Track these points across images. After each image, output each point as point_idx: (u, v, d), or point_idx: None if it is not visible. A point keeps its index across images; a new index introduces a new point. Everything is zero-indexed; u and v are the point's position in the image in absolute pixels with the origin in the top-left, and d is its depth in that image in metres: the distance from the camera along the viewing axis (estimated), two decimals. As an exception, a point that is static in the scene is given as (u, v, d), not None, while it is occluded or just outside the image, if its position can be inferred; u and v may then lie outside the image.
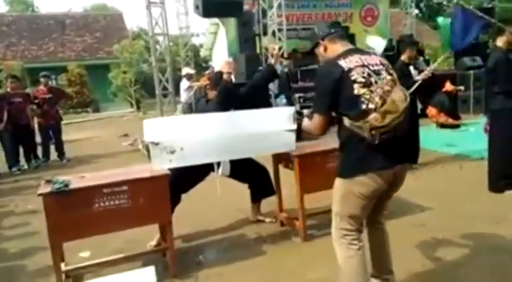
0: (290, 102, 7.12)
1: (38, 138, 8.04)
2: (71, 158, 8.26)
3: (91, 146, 10.05)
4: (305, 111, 3.04)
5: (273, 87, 8.94)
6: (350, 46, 2.36)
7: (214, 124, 3.16)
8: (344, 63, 2.17)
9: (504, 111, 4.10)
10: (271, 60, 3.71)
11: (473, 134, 7.10)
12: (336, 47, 2.33)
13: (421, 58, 9.87)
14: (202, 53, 21.29)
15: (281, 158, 3.63)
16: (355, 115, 2.10)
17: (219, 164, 3.40)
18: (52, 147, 8.17)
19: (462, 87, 9.11)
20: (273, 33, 8.99)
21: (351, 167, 2.21)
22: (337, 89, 2.15)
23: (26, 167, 7.64)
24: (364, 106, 2.08)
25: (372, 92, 2.09)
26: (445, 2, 26.18)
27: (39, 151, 8.00)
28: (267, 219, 3.99)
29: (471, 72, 9.41)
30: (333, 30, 2.39)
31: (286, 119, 3.28)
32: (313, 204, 4.02)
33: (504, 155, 4.21)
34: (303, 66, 10.22)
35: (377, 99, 2.07)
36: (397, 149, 2.20)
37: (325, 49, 2.38)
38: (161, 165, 2.98)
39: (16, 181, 6.72)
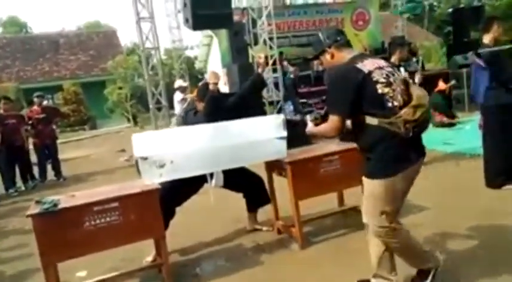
0: (297, 109, 7.06)
1: (34, 158, 8.03)
2: (69, 176, 8.23)
3: (88, 163, 10.02)
4: (308, 117, 3.05)
5: (267, 95, 8.97)
6: (355, 52, 2.48)
7: (203, 135, 3.16)
8: (363, 67, 2.29)
9: (496, 107, 4.09)
10: (259, 69, 3.71)
11: (469, 132, 7.09)
12: (343, 54, 2.45)
13: (414, 59, 9.90)
14: (197, 65, 21.33)
15: (274, 166, 3.61)
16: (383, 113, 2.23)
17: (212, 175, 3.38)
18: (49, 167, 8.14)
19: (454, 81, 9.12)
20: (264, 42, 9.01)
21: (390, 166, 2.28)
22: (360, 90, 2.25)
23: (23, 188, 7.61)
24: (390, 104, 2.23)
25: (394, 90, 2.25)
26: (435, 3, 26.31)
27: (36, 171, 7.97)
28: (264, 228, 3.95)
29: (464, 70, 9.42)
30: (339, 38, 2.49)
31: (276, 127, 3.29)
32: (310, 210, 4.01)
33: (499, 151, 4.19)
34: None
35: (399, 97, 2.25)
36: (421, 141, 2.39)
37: (332, 56, 2.48)
38: (151, 179, 2.96)
39: (13, 203, 6.69)
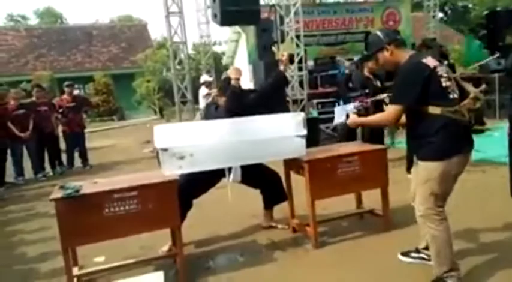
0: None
1: (63, 146, 8.29)
2: (95, 164, 8.47)
3: (114, 152, 10.29)
4: (349, 109, 3.21)
5: (291, 93, 8.92)
6: (411, 52, 2.74)
7: (223, 130, 3.19)
8: (428, 62, 2.53)
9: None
10: (281, 67, 3.72)
11: (498, 139, 6.86)
12: (402, 53, 2.66)
13: (445, 62, 9.64)
14: (224, 60, 21.46)
15: (292, 164, 3.61)
16: (447, 103, 2.49)
17: (230, 169, 3.41)
18: (76, 154, 8.40)
19: (484, 86, 8.83)
20: (291, 39, 8.98)
21: (449, 149, 2.52)
22: (427, 83, 2.48)
23: (51, 173, 7.91)
24: (451, 96, 2.51)
25: (453, 84, 2.54)
26: (470, 5, 25.54)
27: (64, 158, 8.24)
28: (279, 226, 3.97)
29: (496, 75, 9.12)
30: (398, 37, 2.71)
31: (296, 125, 3.29)
32: (327, 211, 4.00)
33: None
34: (322, 72, 10.18)
35: (456, 90, 2.54)
36: (471, 134, 2.63)
37: (391, 54, 2.66)
38: (171, 171, 3.02)
39: (40, 187, 6.94)
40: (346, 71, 7.33)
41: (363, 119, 3.02)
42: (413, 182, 2.88)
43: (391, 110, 2.64)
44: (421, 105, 2.53)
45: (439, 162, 2.51)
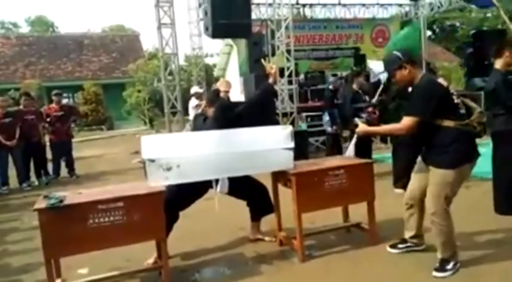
0: (333, 119, 6.98)
1: (49, 155, 8.20)
2: (82, 174, 8.38)
3: (102, 163, 10.20)
4: (356, 119, 3.47)
5: (281, 106, 8.98)
6: (423, 71, 3.10)
7: (211, 142, 3.20)
8: (442, 82, 2.94)
9: (506, 133, 4.04)
10: (270, 80, 3.75)
11: (483, 155, 6.96)
12: (417, 72, 3.00)
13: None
14: (216, 72, 21.55)
15: (279, 176, 3.62)
16: (458, 117, 2.85)
17: (217, 180, 3.41)
18: (63, 164, 8.30)
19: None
20: (282, 53, 9.07)
21: (461, 159, 2.87)
22: (442, 100, 2.84)
23: (36, 183, 7.79)
24: (461, 111, 2.88)
25: (460, 101, 2.90)
26: (457, 24, 26.13)
27: (50, 167, 8.13)
28: (267, 238, 3.96)
29: (482, 92, 9.28)
30: (412, 58, 3.03)
31: (284, 138, 3.31)
32: (314, 224, 4.00)
33: (508, 178, 4.12)
34: (312, 86, 10.29)
35: (463, 106, 2.91)
36: (476, 145, 2.97)
37: (409, 72, 2.97)
38: (157, 182, 3.01)
39: (25, 197, 6.82)
40: (330, 87, 7.43)
41: (373, 128, 3.34)
42: (414, 182, 3.21)
43: (406, 121, 2.91)
44: (436, 119, 2.85)
45: (453, 170, 2.85)
